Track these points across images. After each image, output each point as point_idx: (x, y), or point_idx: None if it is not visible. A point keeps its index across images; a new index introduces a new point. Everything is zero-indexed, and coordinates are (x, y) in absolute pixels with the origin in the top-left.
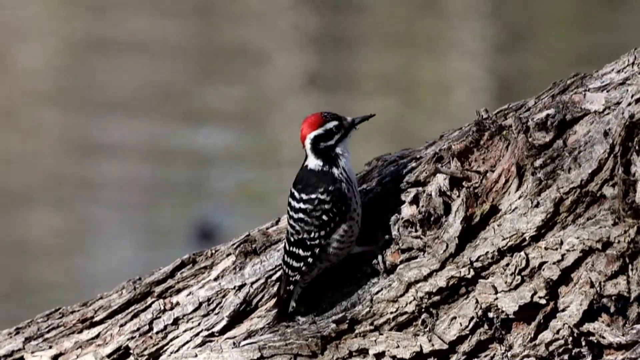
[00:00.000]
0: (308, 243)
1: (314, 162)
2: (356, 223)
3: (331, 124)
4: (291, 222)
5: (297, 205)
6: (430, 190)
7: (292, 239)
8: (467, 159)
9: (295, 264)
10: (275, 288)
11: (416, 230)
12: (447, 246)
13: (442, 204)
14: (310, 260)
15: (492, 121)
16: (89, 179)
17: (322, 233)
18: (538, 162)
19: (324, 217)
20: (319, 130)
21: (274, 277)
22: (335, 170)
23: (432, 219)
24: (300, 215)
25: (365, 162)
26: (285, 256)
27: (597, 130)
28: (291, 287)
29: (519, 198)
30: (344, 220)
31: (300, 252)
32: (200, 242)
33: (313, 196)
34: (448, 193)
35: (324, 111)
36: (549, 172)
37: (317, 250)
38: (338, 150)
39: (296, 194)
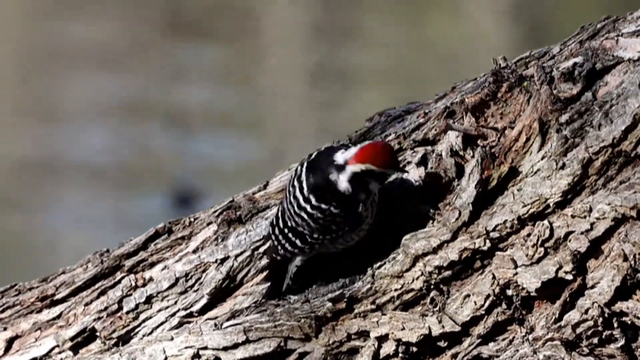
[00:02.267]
0: (308, 240)
1: (344, 185)
2: (364, 231)
3: (392, 173)
4: (291, 210)
5: (302, 203)
6: (441, 149)
7: (289, 223)
8: (483, 114)
9: (288, 247)
10: (264, 261)
11: None
12: (459, 214)
13: (454, 165)
14: (307, 250)
15: (512, 71)
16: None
17: (328, 237)
18: (564, 118)
19: (333, 227)
20: (376, 169)
21: (261, 249)
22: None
23: (442, 182)
24: (303, 215)
25: (367, 118)
26: (276, 230)
27: (631, 81)
28: (279, 257)
29: (542, 159)
30: (352, 231)
31: (298, 242)
32: (177, 208)
33: (324, 206)
34: (461, 153)
35: (392, 148)
36: (576, 129)
37: (316, 246)
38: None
39: (305, 190)
